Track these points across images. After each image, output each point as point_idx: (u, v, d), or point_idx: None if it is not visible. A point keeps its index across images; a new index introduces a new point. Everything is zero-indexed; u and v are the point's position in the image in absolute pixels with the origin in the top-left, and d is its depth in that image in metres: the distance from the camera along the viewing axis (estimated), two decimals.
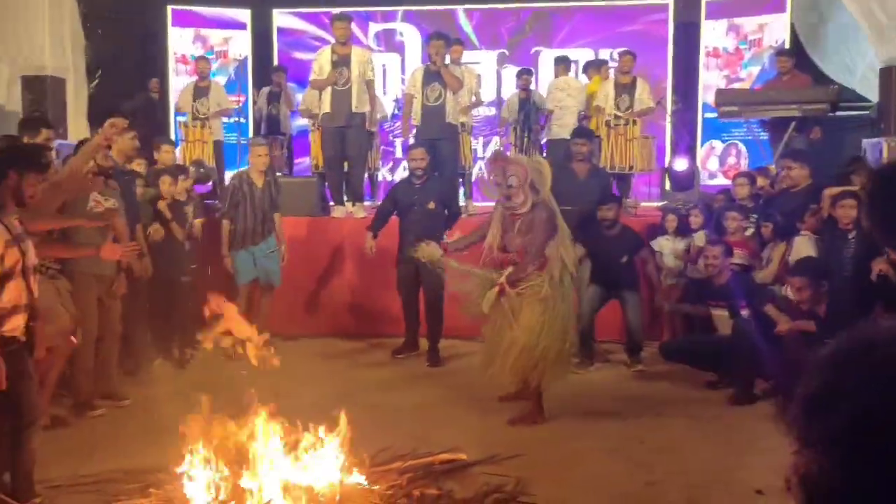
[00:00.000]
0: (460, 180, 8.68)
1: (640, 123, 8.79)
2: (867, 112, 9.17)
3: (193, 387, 4.54)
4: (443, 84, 7.85)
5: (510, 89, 10.20)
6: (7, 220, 3.55)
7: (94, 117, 10.00)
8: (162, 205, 6.40)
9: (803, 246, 5.79)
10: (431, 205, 6.64)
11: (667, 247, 7.00)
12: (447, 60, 8.08)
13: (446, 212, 6.79)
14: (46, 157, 4.33)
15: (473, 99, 8.76)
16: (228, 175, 9.53)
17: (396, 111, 10.15)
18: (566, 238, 5.15)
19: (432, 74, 7.90)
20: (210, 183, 8.70)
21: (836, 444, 0.75)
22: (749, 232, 6.55)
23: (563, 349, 5.09)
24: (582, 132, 7.15)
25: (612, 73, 9.49)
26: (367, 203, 8.68)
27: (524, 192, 5.03)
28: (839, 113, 8.65)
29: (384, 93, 10.75)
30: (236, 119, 9.87)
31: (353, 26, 10.03)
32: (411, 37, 11.18)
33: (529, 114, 9.11)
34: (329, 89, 7.83)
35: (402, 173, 10.87)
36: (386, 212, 6.82)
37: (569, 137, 9.02)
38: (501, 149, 8.75)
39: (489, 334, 5.19)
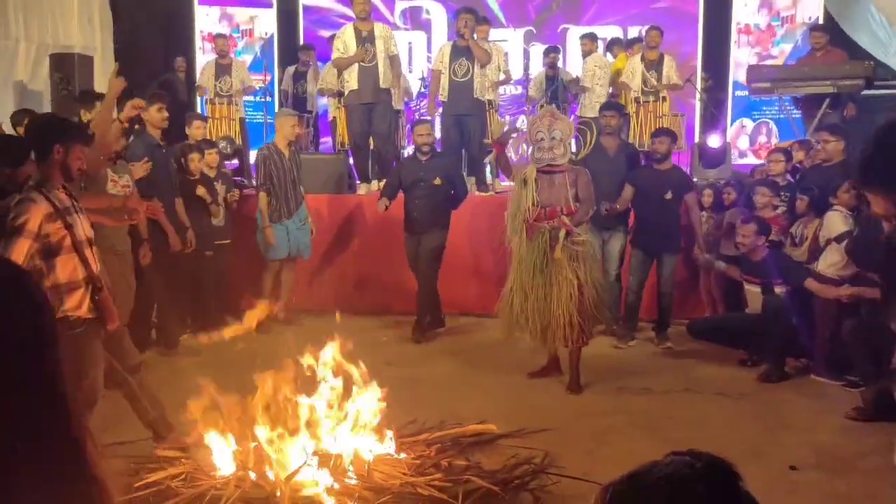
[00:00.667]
0: (486, 159, 8.61)
1: (669, 101, 8.67)
2: None
3: (220, 363, 4.57)
4: (471, 59, 7.80)
5: (537, 67, 10.10)
6: (52, 193, 3.47)
7: (121, 96, 10.08)
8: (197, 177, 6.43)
9: (835, 221, 5.68)
10: (437, 181, 6.60)
11: (708, 222, 6.90)
12: (475, 34, 8.01)
13: (452, 191, 6.72)
14: (88, 129, 4.32)
15: (502, 76, 8.67)
16: (253, 154, 9.62)
17: (423, 89, 10.09)
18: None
19: (460, 49, 7.85)
20: (236, 160, 8.74)
21: None
22: (780, 209, 6.44)
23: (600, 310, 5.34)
24: (611, 105, 7.04)
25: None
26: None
27: (566, 147, 5.36)
28: (874, 91, 8.47)
29: (409, 70, 10.70)
30: (262, 98, 9.87)
31: (379, 3, 10.03)
32: (438, 14, 11.11)
33: (557, 91, 9.03)
34: (355, 66, 7.78)
35: None
36: (393, 188, 6.78)
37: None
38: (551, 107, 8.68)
39: (526, 294, 5.24)
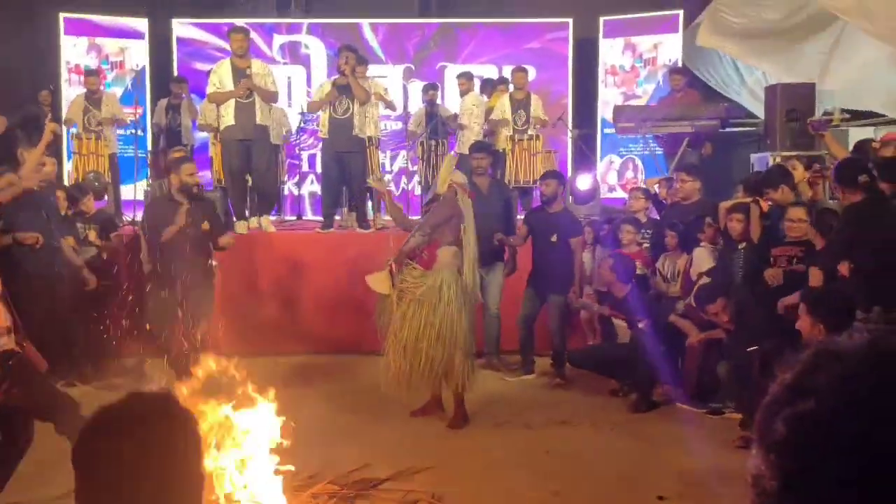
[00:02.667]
0: (368, 194, 8.66)
1: (543, 138, 9.00)
2: (755, 129, 9.68)
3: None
4: (351, 97, 7.85)
5: (416, 103, 10.26)
6: None
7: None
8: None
9: (703, 257, 6.06)
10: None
11: (586, 258, 7.16)
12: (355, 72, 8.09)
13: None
14: None
15: (385, 109, 8.80)
16: (124, 189, 9.26)
17: (302, 124, 10.05)
18: (469, 248, 5.32)
19: (341, 87, 7.90)
20: (105, 197, 8.39)
21: (776, 447, 0.81)
22: (644, 245, 6.80)
23: (459, 357, 5.21)
24: (481, 146, 7.20)
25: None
26: (273, 217, 8.56)
27: (444, 186, 5.51)
28: (729, 129, 9.11)
29: (289, 105, 10.63)
30: (133, 131, 9.54)
31: (257, 38, 9.93)
32: (317, 50, 11.10)
33: (436, 127, 9.20)
34: (231, 102, 7.68)
35: (309, 186, 10.80)
36: None
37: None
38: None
39: (389, 337, 5.29)
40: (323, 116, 7.99)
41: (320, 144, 8.20)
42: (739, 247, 5.92)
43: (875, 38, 7.47)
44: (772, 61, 9.12)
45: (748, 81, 10.16)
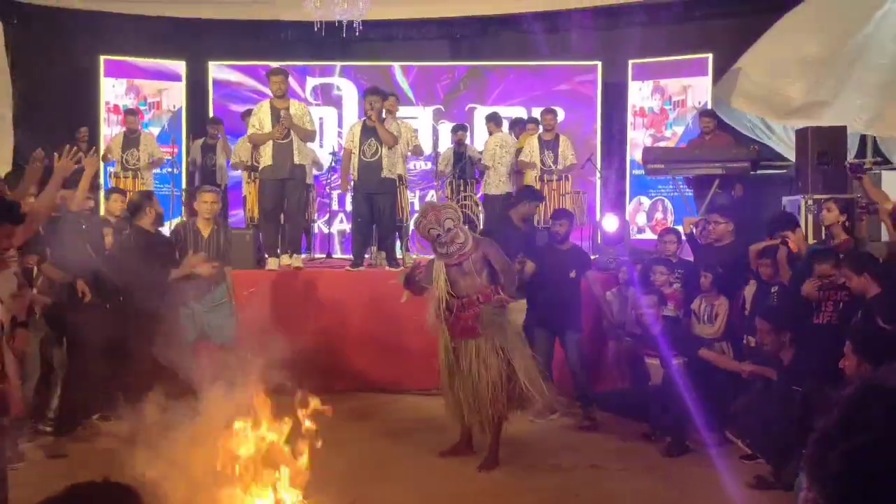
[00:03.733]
0: (397, 233, 8.72)
1: (572, 179, 9.01)
2: (785, 171, 9.62)
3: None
4: (379, 140, 7.96)
5: (446, 144, 10.35)
6: None
7: (19, 168, 9.73)
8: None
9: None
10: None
11: (614, 299, 7.12)
12: (383, 113, 8.19)
13: None
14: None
15: (411, 149, 8.88)
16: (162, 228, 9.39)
17: (334, 164, 10.17)
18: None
19: (369, 130, 8.02)
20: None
21: (834, 480, 0.82)
22: (676, 286, 6.74)
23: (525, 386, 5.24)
24: (560, 213, 7.02)
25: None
26: (303, 255, 8.62)
27: (463, 231, 5.26)
28: (760, 171, 9.05)
29: (321, 146, 10.77)
30: (169, 170, 9.73)
31: (291, 80, 10.11)
32: (349, 91, 11.29)
33: (465, 167, 9.26)
34: (270, 143, 7.82)
35: (339, 225, 10.89)
36: None
37: (503, 194, 9.24)
38: (430, 201, 8.80)
39: (456, 379, 5.28)
40: (353, 159, 8.09)
41: (351, 185, 8.26)
42: (772, 290, 5.85)
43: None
44: (804, 121, 9.08)
45: (776, 130, 10.15)
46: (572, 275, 6.48)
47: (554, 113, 9.27)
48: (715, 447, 5.77)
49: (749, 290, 5.98)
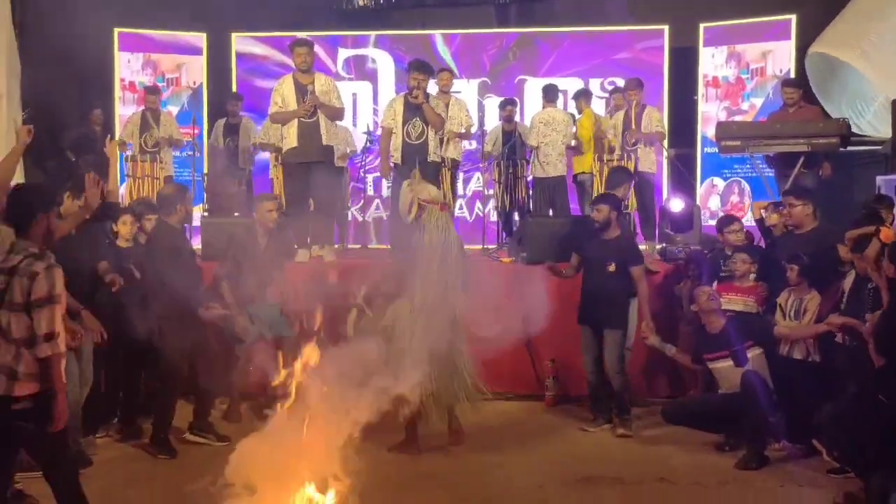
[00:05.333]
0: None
1: (635, 160, 8.94)
2: (880, 147, 9.43)
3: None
4: (425, 121, 7.95)
5: (493, 121, 10.36)
6: None
7: (28, 151, 9.99)
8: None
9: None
10: None
11: (684, 292, 7.07)
12: (434, 90, 8.18)
13: None
14: None
15: (463, 130, 8.87)
16: None
17: (369, 144, 10.26)
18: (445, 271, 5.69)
19: (413, 107, 7.96)
20: None
21: None
22: (752, 277, 6.67)
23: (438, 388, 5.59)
24: (600, 198, 6.99)
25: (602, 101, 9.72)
26: (335, 246, 8.72)
27: (413, 210, 5.83)
28: (851, 148, 8.88)
29: (354, 124, 10.88)
30: (190, 153, 9.91)
31: (321, 52, 10.20)
32: (385, 64, 11.36)
33: (515, 147, 9.25)
34: (294, 122, 7.89)
35: (374, 212, 10.99)
36: None
37: (555, 175, 9.24)
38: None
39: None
40: (395, 140, 8.09)
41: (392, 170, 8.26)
42: (869, 286, 5.72)
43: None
44: None
45: (867, 115, 9.97)
46: (611, 268, 6.45)
47: (639, 83, 9.18)
48: (798, 459, 5.73)
49: (849, 281, 5.85)
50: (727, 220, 7.30)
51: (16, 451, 4.01)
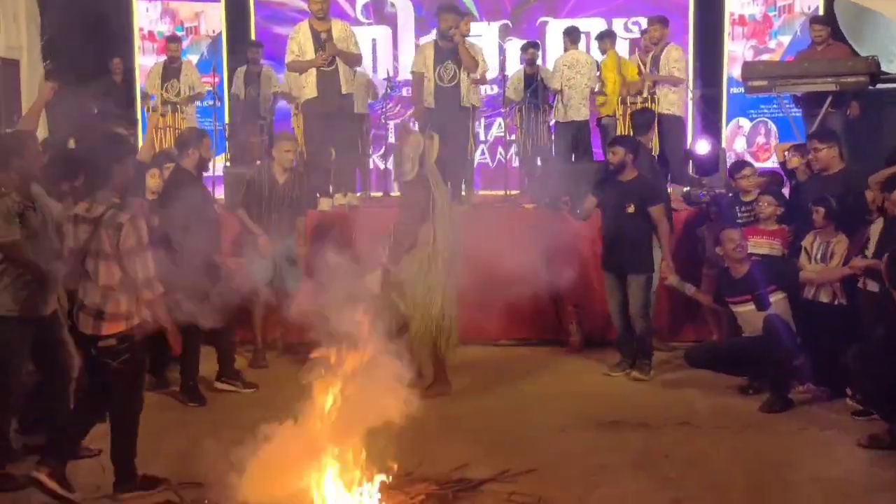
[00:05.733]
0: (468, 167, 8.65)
1: (659, 101, 8.79)
2: None
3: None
4: (457, 62, 7.87)
5: (515, 66, 10.24)
6: None
7: (50, 103, 10.03)
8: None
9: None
10: None
11: (706, 235, 7.04)
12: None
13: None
14: None
15: (480, 75, 8.79)
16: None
17: (389, 90, 10.19)
18: (443, 218, 5.84)
19: (445, 52, 7.90)
20: None
21: None
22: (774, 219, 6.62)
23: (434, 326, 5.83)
24: (616, 140, 6.96)
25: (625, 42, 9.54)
26: (357, 194, 8.74)
27: (412, 163, 5.91)
28: (880, 86, 8.71)
29: (374, 70, 10.80)
30: (211, 103, 9.90)
31: None
32: (404, 8, 11.23)
33: (537, 92, 9.15)
34: (313, 71, 7.85)
35: None
36: None
37: (578, 119, 9.14)
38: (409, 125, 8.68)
39: None
40: (427, 84, 8.00)
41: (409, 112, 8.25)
42: None
43: None
44: None
45: None
46: (630, 209, 6.40)
47: (663, 22, 8.90)
48: (822, 402, 5.76)
49: (875, 228, 5.80)
50: (739, 166, 7.25)
51: (106, 385, 4.28)
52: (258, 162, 8.95)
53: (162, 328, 4.25)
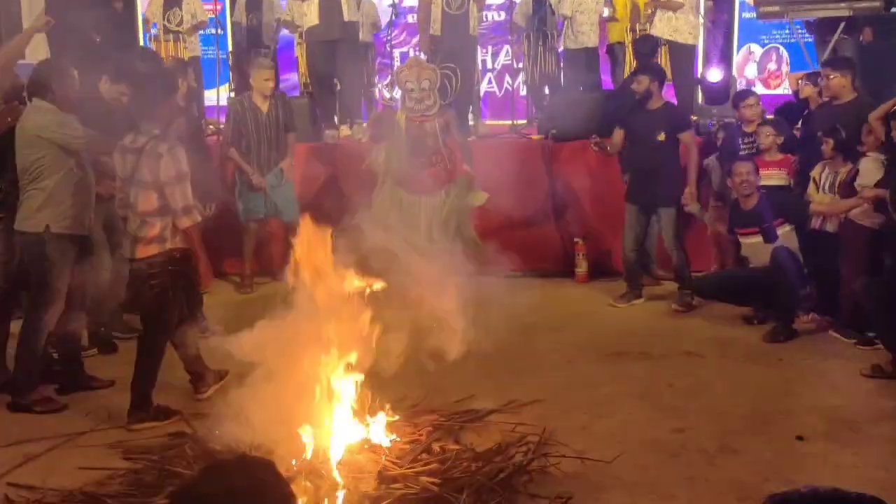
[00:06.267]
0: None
1: (665, 28, 8.59)
2: None
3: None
4: None
5: None
6: None
7: (52, 30, 9.91)
8: None
9: (870, 168, 5.73)
10: None
11: (714, 165, 6.99)
12: None
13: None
14: None
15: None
16: (210, 95, 9.58)
17: (394, 17, 10.01)
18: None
19: None
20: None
21: None
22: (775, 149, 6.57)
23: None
24: (637, 70, 6.91)
25: None
26: (364, 124, 8.67)
27: (434, 95, 6.35)
28: (894, 10, 8.53)
29: None
30: (214, 31, 9.76)
31: None
32: None
33: (545, 19, 8.97)
34: None
35: None
36: None
37: (588, 46, 8.98)
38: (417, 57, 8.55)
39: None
40: (434, 10, 7.88)
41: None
42: None
43: None
44: None
45: None
46: (660, 137, 6.34)
47: None
48: (827, 331, 5.80)
49: (866, 162, 5.76)
50: (742, 95, 7.14)
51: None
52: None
53: (196, 255, 4.52)
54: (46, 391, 4.82)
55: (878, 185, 5.61)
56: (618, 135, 6.58)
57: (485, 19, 9.60)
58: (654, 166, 6.38)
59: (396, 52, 10.58)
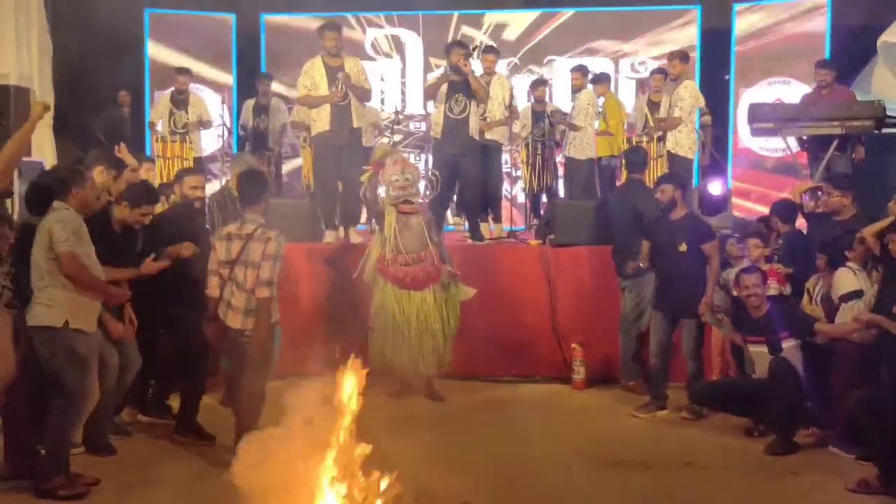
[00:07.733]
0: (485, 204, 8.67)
1: (669, 140, 8.80)
2: None
3: None
4: (468, 94, 7.96)
5: (522, 102, 10.31)
6: None
7: (59, 131, 10.12)
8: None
9: (844, 279, 5.81)
10: None
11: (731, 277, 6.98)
12: (478, 71, 8.23)
13: None
14: None
15: (506, 112, 8.86)
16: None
17: (400, 117, 10.27)
18: None
19: (455, 84, 8.00)
20: None
21: None
22: (773, 261, 6.61)
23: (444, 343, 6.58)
24: (662, 179, 6.91)
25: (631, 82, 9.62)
26: (363, 228, 8.75)
27: (416, 188, 6.70)
28: (886, 130, 8.75)
29: (381, 104, 10.87)
30: (219, 134, 9.98)
31: (348, 32, 10.22)
32: (412, 44, 11.34)
33: (545, 129, 9.19)
34: (327, 105, 7.89)
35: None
36: None
37: (591, 157, 9.20)
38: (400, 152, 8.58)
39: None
40: (436, 115, 8.10)
41: (429, 147, 8.33)
42: None
43: None
44: None
45: None
46: (681, 248, 6.35)
47: (664, 75, 9.05)
48: (828, 445, 5.70)
49: (841, 275, 5.84)
50: (750, 236, 6.94)
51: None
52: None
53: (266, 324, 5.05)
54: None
55: (846, 297, 5.68)
56: (645, 246, 6.63)
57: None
58: (676, 275, 6.40)
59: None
